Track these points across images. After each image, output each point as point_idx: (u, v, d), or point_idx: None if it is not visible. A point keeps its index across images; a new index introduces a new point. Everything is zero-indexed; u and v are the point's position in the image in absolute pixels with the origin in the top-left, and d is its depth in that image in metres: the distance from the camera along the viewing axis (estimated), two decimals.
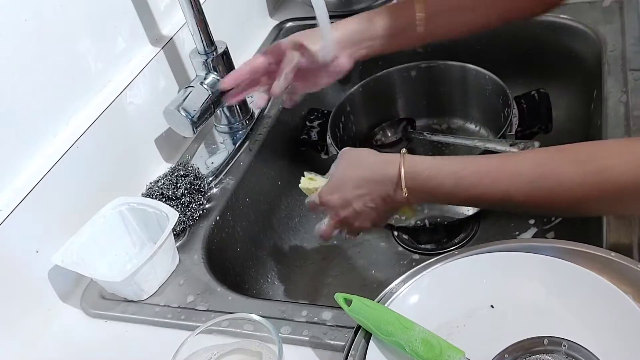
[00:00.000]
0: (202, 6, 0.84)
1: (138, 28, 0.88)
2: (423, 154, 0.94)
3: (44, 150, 0.75)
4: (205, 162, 0.91)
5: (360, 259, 0.95)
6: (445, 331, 0.55)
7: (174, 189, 0.81)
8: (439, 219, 0.90)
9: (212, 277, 0.75)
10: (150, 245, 0.78)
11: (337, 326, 0.64)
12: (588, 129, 0.91)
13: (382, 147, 1.01)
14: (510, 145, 0.81)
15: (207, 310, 0.70)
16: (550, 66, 1.01)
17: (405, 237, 0.95)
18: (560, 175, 0.54)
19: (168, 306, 0.72)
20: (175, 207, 0.78)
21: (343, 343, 0.61)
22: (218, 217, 0.84)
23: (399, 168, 0.62)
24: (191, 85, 0.87)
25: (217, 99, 0.87)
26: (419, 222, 0.90)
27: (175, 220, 0.73)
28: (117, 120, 0.84)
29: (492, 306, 0.57)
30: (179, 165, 0.86)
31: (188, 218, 0.81)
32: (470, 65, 0.95)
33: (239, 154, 0.93)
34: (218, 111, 0.92)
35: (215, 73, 0.88)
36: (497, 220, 0.94)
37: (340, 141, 0.95)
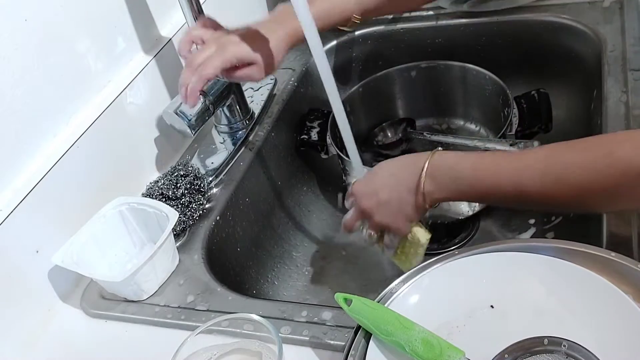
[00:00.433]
0: (202, 6, 0.84)
1: (138, 28, 0.88)
2: None
3: (44, 150, 0.75)
4: (205, 162, 0.91)
5: (360, 259, 0.95)
6: (445, 331, 0.55)
7: (174, 189, 0.81)
8: (439, 220, 0.90)
9: (212, 277, 0.75)
10: (150, 245, 0.78)
11: (337, 326, 0.64)
12: (588, 129, 0.91)
13: (382, 147, 1.01)
14: (510, 145, 0.80)
15: (207, 310, 0.70)
16: (550, 66, 1.01)
17: None
18: (568, 161, 0.55)
19: (168, 306, 0.72)
20: (175, 207, 0.78)
21: (343, 343, 0.61)
22: (218, 217, 0.84)
23: (427, 158, 0.64)
24: None
25: (216, 99, 0.87)
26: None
27: (175, 220, 0.73)
28: (117, 120, 0.84)
29: (492, 306, 0.57)
30: (179, 165, 0.86)
31: (188, 218, 0.81)
32: (470, 65, 0.95)
33: (239, 154, 0.93)
34: (218, 111, 0.92)
35: None
36: (497, 220, 0.94)
37: (340, 141, 0.95)
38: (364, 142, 1.01)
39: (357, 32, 1.11)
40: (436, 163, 0.63)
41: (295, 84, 1.05)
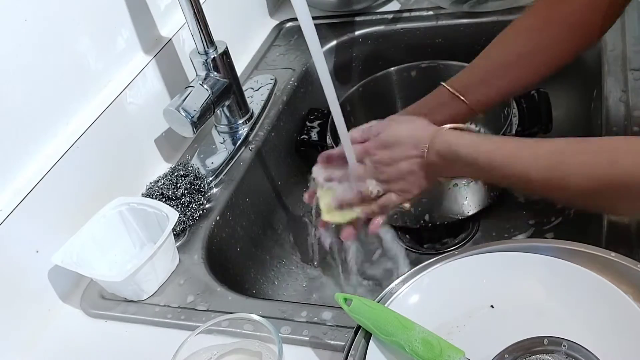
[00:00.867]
0: (202, 6, 0.84)
1: (138, 28, 0.88)
2: None
3: (44, 150, 0.75)
4: (205, 162, 0.91)
5: (360, 258, 0.95)
6: (445, 331, 0.55)
7: (174, 189, 0.81)
8: (439, 220, 0.90)
9: (212, 277, 0.75)
10: (150, 245, 0.78)
11: (337, 326, 0.64)
12: (588, 129, 0.91)
13: None
14: None
15: (207, 310, 0.70)
16: None
17: (407, 236, 0.95)
18: (572, 165, 0.56)
19: (168, 306, 0.72)
20: (175, 207, 0.78)
21: (343, 343, 0.61)
22: (218, 217, 0.84)
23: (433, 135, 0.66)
24: (191, 85, 0.87)
25: (217, 99, 0.87)
26: (422, 222, 0.90)
27: (175, 220, 0.73)
28: (117, 120, 0.84)
29: (492, 306, 0.57)
30: (179, 165, 0.86)
31: (188, 218, 0.81)
32: None
33: (239, 154, 0.93)
34: (218, 111, 0.92)
35: (215, 73, 0.88)
36: (497, 220, 0.94)
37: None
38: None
39: (357, 32, 1.11)
40: (444, 131, 0.67)
41: (295, 84, 1.05)
